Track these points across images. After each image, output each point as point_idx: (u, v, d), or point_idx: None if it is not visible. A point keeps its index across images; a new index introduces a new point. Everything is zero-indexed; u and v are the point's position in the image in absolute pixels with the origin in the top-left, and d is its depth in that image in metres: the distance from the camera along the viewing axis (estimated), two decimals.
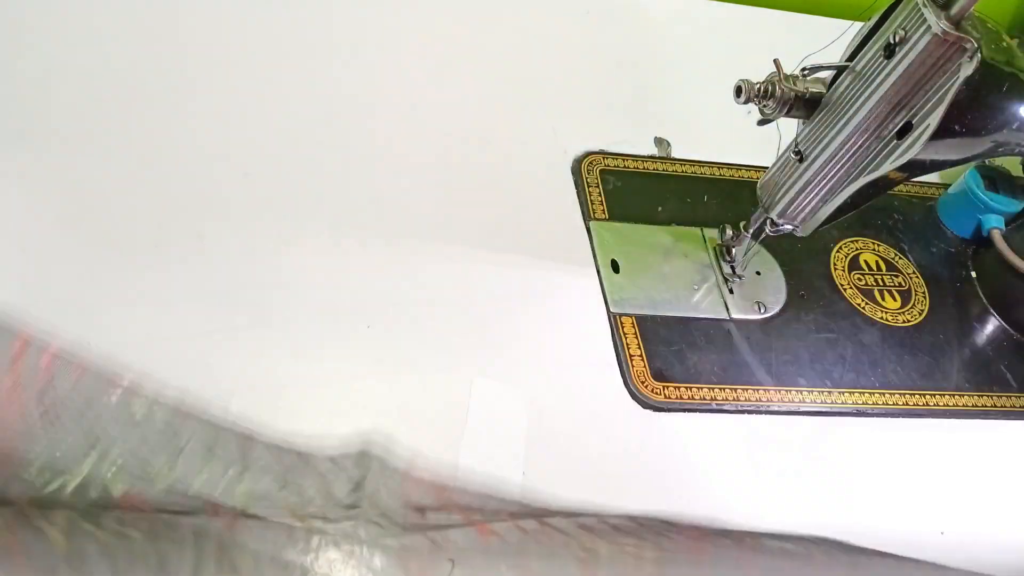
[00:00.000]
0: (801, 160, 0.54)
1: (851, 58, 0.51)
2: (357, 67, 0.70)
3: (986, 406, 0.60)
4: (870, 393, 0.59)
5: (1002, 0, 0.98)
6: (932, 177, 0.75)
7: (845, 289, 0.65)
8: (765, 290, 0.62)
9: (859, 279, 0.66)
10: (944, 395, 0.60)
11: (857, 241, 0.69)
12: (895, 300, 0.66)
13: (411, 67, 0.71)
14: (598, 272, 0.60)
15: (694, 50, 0.82)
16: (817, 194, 0.54)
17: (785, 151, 0.56)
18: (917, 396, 0.60)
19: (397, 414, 0.50)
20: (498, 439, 0.51)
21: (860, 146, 0.51)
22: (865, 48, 0.50)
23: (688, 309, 0.60)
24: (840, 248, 0.68)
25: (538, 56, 0.77)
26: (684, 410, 0.55)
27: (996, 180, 0.71)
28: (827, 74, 0.52)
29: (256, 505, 0.45)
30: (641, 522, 0.49)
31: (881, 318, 0.64)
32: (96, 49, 0.64)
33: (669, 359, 0.57)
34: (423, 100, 0.69)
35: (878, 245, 0.69)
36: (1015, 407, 0.60)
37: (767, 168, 0.58)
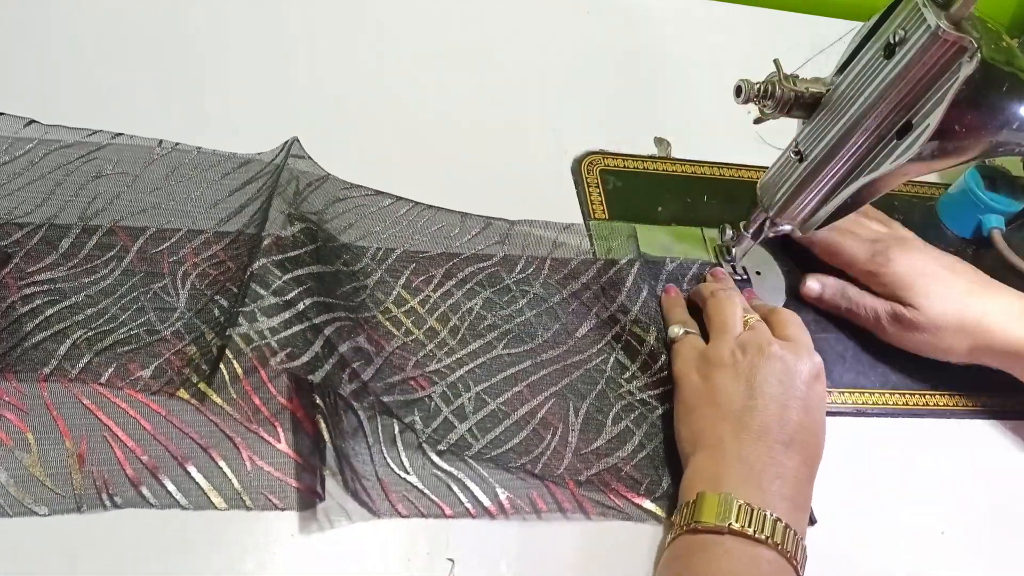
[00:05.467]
0: (801, 160, 0.54)
1: (851, 58, 0.51)
2: (355, 66, 0.70)
3: (986, 406, 0.60)
4: (870, 393, 0.59)
5: (1002, 0, 0.99)
6: (932, 177, 0.75)
7: None
8: (765, 290, 0.62)
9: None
10: (944, 395, 0.60)
11: None
12: None
13: (410, 67, 0.72)
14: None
15: (694, 50, 0.82)
16: (817, 194, 0.55)
17: (785, 151, 0.56)
18: (917, 396, 0.60)
19: None
20: None
21: (860, 146, 0.51)
22: (865, 48, 0.50)
23: None
24: None
25: (538, 55, 0.77)
26: None
27: (996, 180, 0.71)
28: (827, 74, 0.53)
29: None
30: None
31: None
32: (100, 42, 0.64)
33: None
34: (422, 100, 0.69)
35: None
36: (1015, 407, 0.60)
37: (767, 168, 0.58)
